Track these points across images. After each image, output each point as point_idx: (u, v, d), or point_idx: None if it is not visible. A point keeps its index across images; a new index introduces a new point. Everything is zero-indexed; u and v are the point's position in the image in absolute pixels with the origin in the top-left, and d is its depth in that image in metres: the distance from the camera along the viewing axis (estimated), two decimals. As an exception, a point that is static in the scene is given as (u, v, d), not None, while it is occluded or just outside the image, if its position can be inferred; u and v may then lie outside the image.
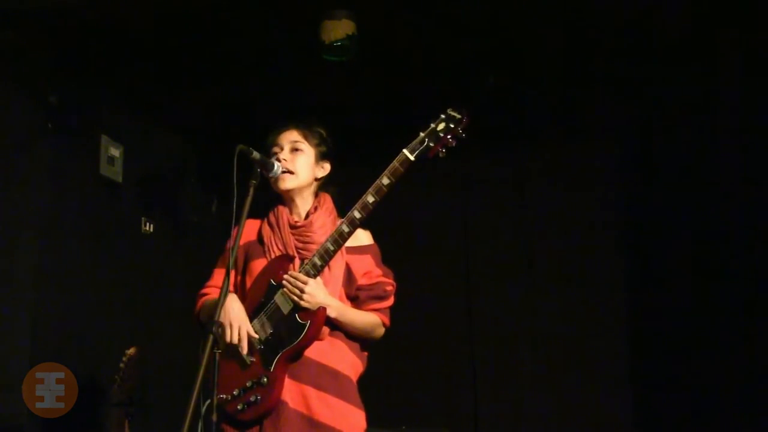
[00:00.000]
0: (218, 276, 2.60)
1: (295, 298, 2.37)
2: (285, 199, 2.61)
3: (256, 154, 2.40)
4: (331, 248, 2.37)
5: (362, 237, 2.56)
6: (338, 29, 3.59)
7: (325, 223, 2.55)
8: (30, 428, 3.34)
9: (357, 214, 2.36)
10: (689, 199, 4.29)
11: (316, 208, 2.58)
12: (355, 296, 2.53)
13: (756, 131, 4.12)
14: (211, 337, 2.15)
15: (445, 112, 2.38)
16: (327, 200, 2.63)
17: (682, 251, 4.27)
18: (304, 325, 2.36)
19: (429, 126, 2.37)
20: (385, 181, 2.34)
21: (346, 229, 2.37)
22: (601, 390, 4.39)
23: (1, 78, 3.49)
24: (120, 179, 4.20)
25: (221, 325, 2.34)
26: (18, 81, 3.58)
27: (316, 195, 2.64)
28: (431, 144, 2.35)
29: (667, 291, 4.28)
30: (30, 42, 3.62)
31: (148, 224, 4.44)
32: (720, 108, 4.22)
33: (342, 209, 2.61)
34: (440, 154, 2.38)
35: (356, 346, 2.54)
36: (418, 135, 2.37)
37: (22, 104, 3.61)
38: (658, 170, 4.47)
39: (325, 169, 2.65)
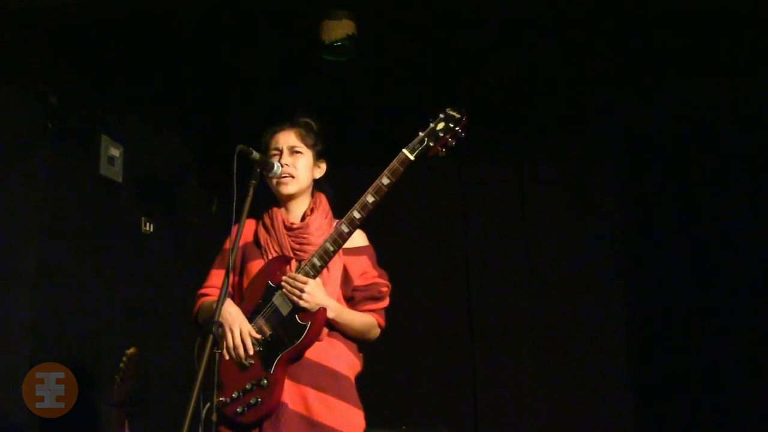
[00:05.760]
0: (215, 277, 2.59)
1: (295, 298, 2.36)
2: (281, 200, 2.61)
3: (256, 154, 2.40)
4: (331, 248, 2.37)
5: (358, 238, 2.55)
6: (338, 29, 3.59)
7: (321, 225, 2.55)
8: (30, 428, 3.33)
9: (357, 214, 2.36)
10: (689, 200, 4.30)
11: (312, 210, 2.58)
12: (351, 297, 2.53)
13: (757, 132, 4.13)
14: (211, 338, 2.15)
15: (444, 112, 2.38)
16: (323, 201, 2.63)
17: (682, 252, 4.27)
18: (305, 326, 2.36)
19: (428, 125, 2.38)
20: (385, 180, 2.34)
21: (345, 229, 2.36)
22: (601, 390, 4.39)
23: (1, 78, 3.49)
24: (120, 179, 4.19)
25: (221, 327, 2.34)
26: (18, 81, 3.58)
27: (312, 195, 2.64)
28: (431, 143, 2.36)
29: (668, 292, 4.28)
30: (30, 42, 3.62)
31: (148, 224, 4.44)
32: (721, 108, 4.23)
33: (337, 210, 2.61)
34: (440, 154, 2.38)
35: (354, 346, 2.54)
36: (418, 135, 2.37)
37: (22, 104, 3.61)
38: (658, 170, 4.47)
39: (322, 169, 2.66)
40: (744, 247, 4.15)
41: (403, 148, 2.36)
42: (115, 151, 4.16)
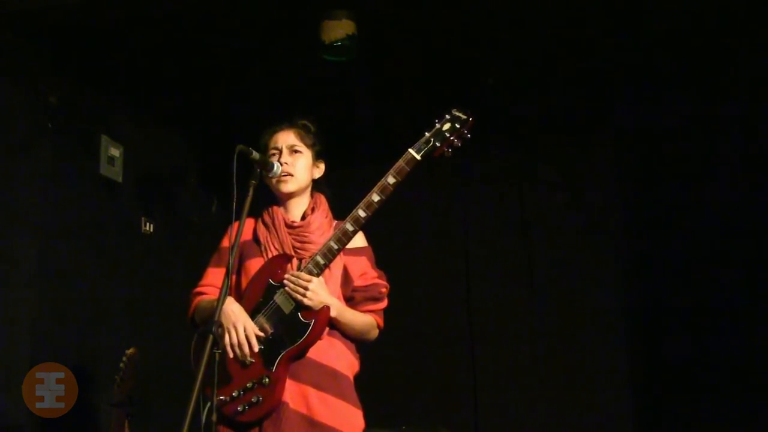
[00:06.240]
0: (212, 275, 2.58)
1: (299, 296, 2.36)
2: (281, 199, 2.61)
3: (256, 154, 2.40)
4: (335, 247, 2.37)
5: (357, 239, 2.54)
6: (338, 29, 3.58)
7: (322, 223, 2.55)
8: (30, 428, 3.34)
9: (362, 213, 2.36)
10: (689, 199, 4.30)
11: (313, 209, 2.58)
12: (351, 297, 2.53)
13: (756, 130, 4.13)
14: (211, 337, 2.14)
15: (450, 113, 2.39)
16: (323, 201, 2.63)
17: (682, 251, 4.28)
18: (308, 324, 2.36)
19: (434, 126, 2.38)
20: (391, 180, 2.34)
21: (350, 228, 2.36)
22: (601, 390, 4.39)
23: (1, 78, 3.49)
24: (120, 179, 4.20)
25: (222, 326, 2.34)
26: (18, 81, 3.58)
27: (312, 195, 2.65)
28: (437, 144, 2.36)
29: (668, 291, 4.28)
30: (30, 42, 3.62)
31: (148, 224, 4.44)
32: (720, 107, 4.23)
33: (336, 212, 2.61)
34: (446, 154, 2.39)
35: (353, 346, 2.54)
36: (423, 135, 2.37)
37: (22, 104, 3.61)
38: (658, 169, 4.48)
39: (321, 169, 2.66)
40: (743, 247, 4.15)
41: (409, 147, 2.37)
42: (115, 151, 4.16)
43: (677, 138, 4.40)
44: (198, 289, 2.59)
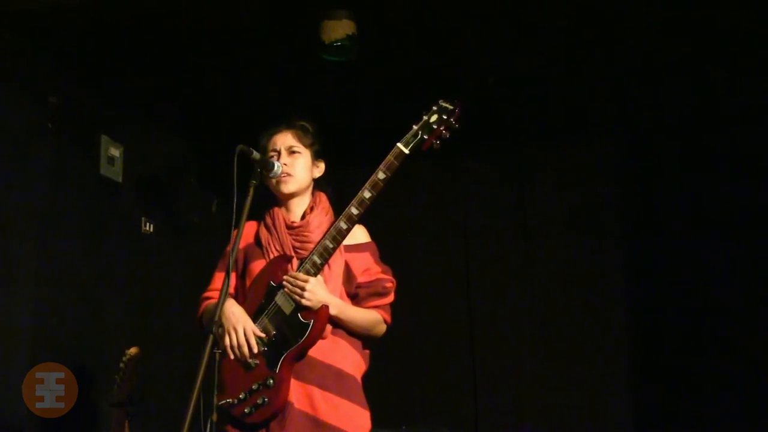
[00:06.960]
0: (218, 279, 2.57)
1: (297, 297, 2.36)
2: (281, 200, 2.62)
3: (256, 155, 2.41)
4: (330, 246, 2.37)
5: (359, 235, 2.56)
6: (338, 29, 3.58)
7: (321, 222, 2.55)
8: (30, 428, 3.33)
9: (354, 210, 2.36)
10: (689, 198, 4.30)
11: (312, 208, 2.59)
12: (355, 294, 2.53)
13: (754, 128, 4.13)
14: (211, 338, 2.15)
15: (437, 103, 2.39)
16: (323, 199, 2.63)
17: (682, 249, 4.28)
18: (308, 325, 2.36)
19: (422, 118, 2.38)
20: (381, 175, 2.35)
21: (344, 225, 2.36)
22: (601, 389, 4.39)
23: (1, 78, 3.49)
24: (120, 179, 4.20)
25: (221, 327, 2.34)
26: (18, 81, 3.58)
27: (312, 194, 2.65)
28: (425, 136, 2.36)
29: (668, 290, 4.28)
30: (30, 42, 3.62)
31: (148, 224, 4.44)
32: (721, 106, 4.23)
33: (338, 208, 2.61)
34: (435, 146, 2.38)
35: (359, 344, 2.53)
36: (412, 128, 2.37)
37: (22, 104, 3.61)
38: (659, 168, 4.48)
39: (321, 168, 2.66)
40: (744, 247, 4.15)
41: (398, 142, 2.37)
42: (115, 151, 4.16)
43: (678, 138, 4.40)
44: (206, 294, 2.61)
